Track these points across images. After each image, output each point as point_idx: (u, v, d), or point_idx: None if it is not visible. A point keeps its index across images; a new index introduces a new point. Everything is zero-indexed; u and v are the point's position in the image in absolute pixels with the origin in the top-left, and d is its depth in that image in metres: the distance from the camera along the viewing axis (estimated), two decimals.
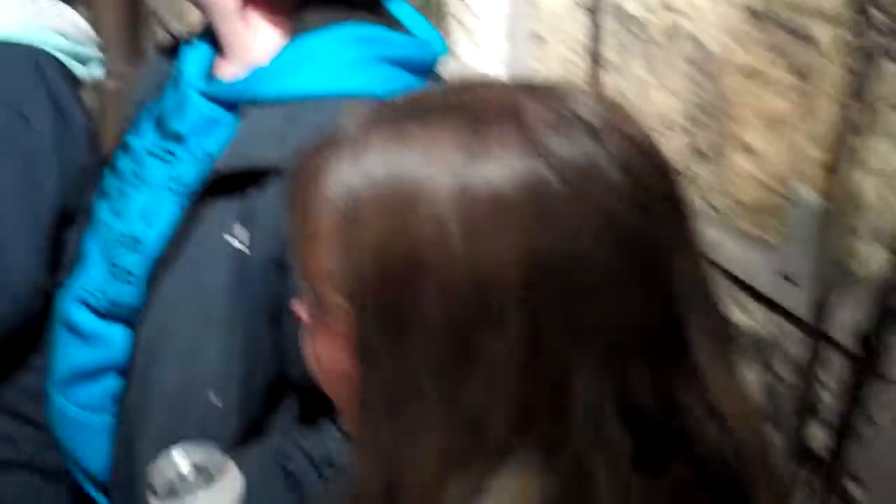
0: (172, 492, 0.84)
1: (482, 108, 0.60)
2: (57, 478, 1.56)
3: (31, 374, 1.49)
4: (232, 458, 1.17)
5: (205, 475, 0.86)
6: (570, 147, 0.58)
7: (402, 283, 0.58)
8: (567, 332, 0.58)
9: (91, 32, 1.67)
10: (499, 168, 0.57)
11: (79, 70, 1.61)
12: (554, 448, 0.59)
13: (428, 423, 0.60)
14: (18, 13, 1.55)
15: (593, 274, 0.58)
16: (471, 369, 0.58)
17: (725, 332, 0.66)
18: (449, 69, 1.30)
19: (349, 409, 0.66)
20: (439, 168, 0.57)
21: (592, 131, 0.59)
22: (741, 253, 1.36)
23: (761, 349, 1.36)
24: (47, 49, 1.54)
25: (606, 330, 0.58)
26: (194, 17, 2.44)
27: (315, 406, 1.20)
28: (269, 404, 1.22)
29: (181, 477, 0.87)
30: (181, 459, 0.88)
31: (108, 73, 1.69)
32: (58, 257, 1.48)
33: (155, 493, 0.85)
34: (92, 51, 1.66)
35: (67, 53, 1.59)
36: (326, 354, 0.66)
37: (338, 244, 0.60)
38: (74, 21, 1.63)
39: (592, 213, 0.58)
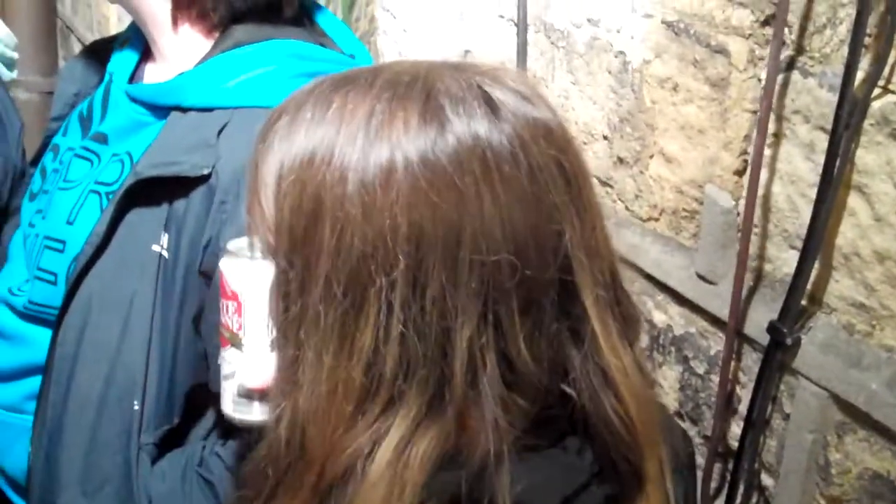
0: (239, 253, 0.97)
1: (401, 83, 0.70)
2: None
3: None
4: (153, 466, 1.24)
5: None
6: (476, 121, 0.68)
7: (307, 228, 0.69)
8: (448, 277, 0.67)
9: (13, 36, 1.73)
10: (398, 143, 0.67)
11: (4, 73, 1.66)
12: (436, 398, 0.68)
13: (328, 358, 0.69)
14: None
15: (479, 230, 0.66)
16: (364, 306, 0.68)
17: (624, 307, 0.74)
18: None
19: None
20: (347, 140, 0.68)
21: (504, 107, 0.69)
22: (660, 255, 1.45)
23: (680, 347, 1.47)
24: None
25: (489, 286, 0.67)
26: (110, 29, 2.49)
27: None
28: (189, 412, 1.26)
29: (252, 244, 0.97)
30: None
31: (22, 85, 1.75)
32: None
33: (227, 251, 0.99)
34: (15, 54, 1.71)
35: None
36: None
37: (273, 193, 0.71)
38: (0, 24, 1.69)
39: (483, 181, 0.67)
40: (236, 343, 0.99)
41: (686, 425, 1.43)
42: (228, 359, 1.00)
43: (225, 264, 0.99)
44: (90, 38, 2.61)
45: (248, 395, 1.00)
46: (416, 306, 0.67)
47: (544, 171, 0.69)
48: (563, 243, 0.69)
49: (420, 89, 0.70)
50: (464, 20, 1.64)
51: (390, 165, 0.67)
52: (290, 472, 0.72)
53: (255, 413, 1.00)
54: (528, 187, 0.68)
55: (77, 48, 2.75)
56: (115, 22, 2.46)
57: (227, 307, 0.99)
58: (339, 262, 0.68)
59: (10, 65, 1.69)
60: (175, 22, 1.26)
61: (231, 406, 1.02)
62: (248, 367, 0.99)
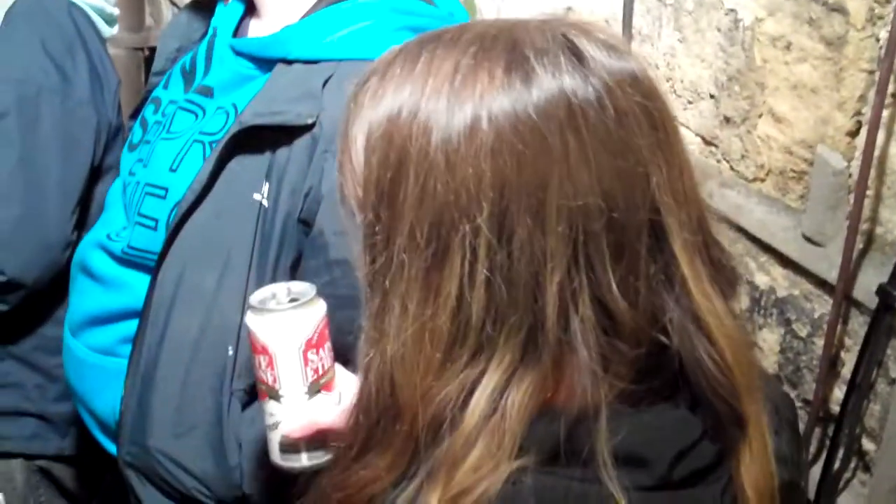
0: (263, 307, 1.03)
1: (486, 37, 0.73)
2: (64, 428, 1.70)
3: (53, 327, 1.61)
4: (243, 411, 1.29)
5: (293, 300, 1.04)
6: (550, 73, 0.70)
7: (392, 181, 0.72)
8: (538, 230, 0.68)
9: None
10: (478, 96, 0.70)
11: (104, 28, 1.73)
12: (530, 345, 0.70)
13: (413, 308, 0.71)
14: None
15: (563, 178, 0.68)
16: (448, 254, 0.70)
17: (714, 253, 0.75)
18: None
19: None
20: (433, 93, 0.71)
21: (577, 57, 0.71)
22: (766, 217, 1.45)
23: (782, 310, 1.49)
24: (79, 4, 1.66)
25: (577, 230, 0.69)
26: None
27: None
28: None
29: (274, 296, 1.05)
30: (280, 285, 1.08)
31: (110, 41, 1.83)
32: (86, 211, 1.61)
33: (251, 307, 1.04)
34: (115, 9, 1.78)
35: (96, 10, 1.71)
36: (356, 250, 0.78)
37: (363, 149, 0.74)
38: None
39: (567, 128, 0.69)
40: (274, 395, 1.02)
41: (785, 389, 1.45)
42: (269, 410, 1.03)
43: (251, 320, 1.03)
44: None
45: (294, 443, 1.04)
46: (503, 252, 0.69)
47: (630, 117, 0.71)
48: (650, 187, 0.71)
49: (505, 42, 0.72)
50: None
51: (475, 115, 0.70)
52: (381, 421, 0.74)
53: (303, 460, 1.04)
54: (614, 132, 0.70)
55: (164, 5, 2.84)
56: None
57: (260, 362, 1.02)
58: (421, 210, 0.71)
59: (110, 21, 1.76)
60: None
61: (278, 455, 1.06)
62: (289, 417, 1.02)
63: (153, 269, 1.31)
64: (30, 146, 1.55)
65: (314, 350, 1.02)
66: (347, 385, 1.05)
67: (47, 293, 1.57)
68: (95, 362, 1.41)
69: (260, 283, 1.25)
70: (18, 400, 1.69)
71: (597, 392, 0.70)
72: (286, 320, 1.02)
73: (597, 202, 0.69)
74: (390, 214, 0.72)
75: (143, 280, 1.34)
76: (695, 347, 0.72)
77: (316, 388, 1.03)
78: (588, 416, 0.70)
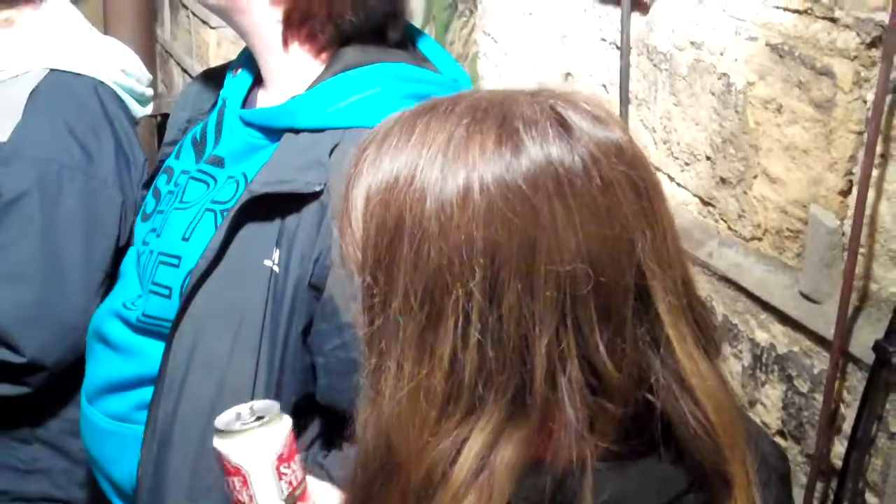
0: (230, 429, 1.06)
1: (478, 109, 0.78)
2: None
3: (76, 410, 1.58)
4: None
5: (259, 418, 1.08)
6: (550, 143, 0.75)
7: (388, 246, 0.77)
8: (526, 294, 0.72)
9: (146, 71, 1.82)
10: (475, 166, 0.74)
11: (135, 108, 1.76)
12: (518, 404, 0.74)
13: (409, 369, 0.75)
14: (84, 45, 1.72)
15: (552, 242, 0.73)
16: (441, 318, 0.74)
17: (698, 314, 0.80)
18: None
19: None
20: (427, 162, 0.76)
21: (565, 128, 0.76)
22: (765, 275, 1.50)
23: (783, 366, 1.52)
24: (108, 84, 1.70)
25: (565, 293, 0.73)
26: (210, 54, 2.64)
27: (339, 428, 1.32)
28: (295, 423, 1.30)
29: (239, 416, 1.09)
30: (243, 406, 1.11)
31: None
32: (107, 289, 1.60)
33: (218, 431, 1.07)
34: (148, 90, 1.81)
35: (126, 90, 1.74)
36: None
37: (362, 217, 0.79)
38: (132, 58, 1.78)
39: (551, 199, 0.73)
40: None
41: (788, 444, 1.48)
42: None
43: (220, 444, 1.06)
44: (189, 62, 2.77)
45: None
46: (494, 315, 0.73)
47: (615, 186, 0.75)
48: (635, 252, 0.75)
49: (496, 114, 0.77)
50: (565, 44, 1.72)
51: (467, 185, 0.74)
52: (378, 478, 0.78)
53: None
54: (599, 200, 0.74)
55: (176, 73, 2.92)
56: (215, 48, 2.62)
57: (234, 483, 1.05)
58: (416, 274, 0.75)
59: (142, 101, 1.79)
60: (285, 42, 1.37)
61: None
62: None
63: (167, 337, 1.35)
64: (51, 225, 1.56)
65: (286, 464, 1.06)
66: (320, 493, 1.10)
67: (73, 375, 1.57)
68: (112, 429, 1.44)
69: (273, 348, 1.31)
70: (47, 486, 1.69)
71: (583, 450, 0.73)
72: (257, 439, 1.05)
73: (584, 268, 0.73)
74: (387, 278, 0.77)
75: (158, 347, 1.38)
76: (679, 408, 0.76)
77: (292, 500, 1.06)
78: (574, 472, 0.74)
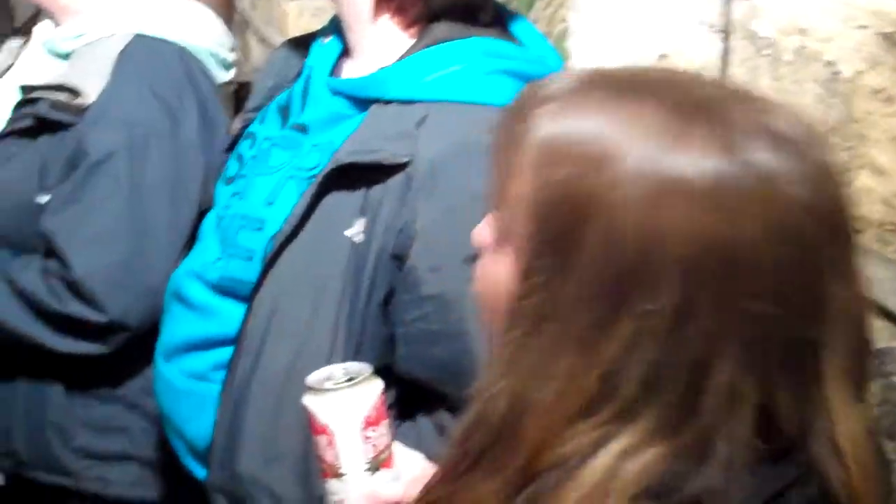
0: (320, 387, 1.06)
1: (694, 104, 0.72)
2: (163, 472, 1.71)
3: None
4: None
5: (350, 379, 1.07)
6: (767, 157, 0.69)
7: (575, 224, 0.71)
8: (718, 318, 0.68)
9: (231, 37, 1.84)
10: (692, 160, 0.68)
11: (217, 73, 1.78)
12: (680, 422, 0.70)
13: (564, 357, 0.71)
14: (169, 9, 1.74)
15: (754, 273, 0.68)
16: (617, 321, 0.69)
17: (863, 376, 0.75)
18: None
19: (495, 329, 0.78)
20: (638, 143, 0.70)
21: (793, 148, 0.70)
22: (865, 269, 1.49)
23: (882, 361, 1.49)
24: (191, 49, 1.72)
25: (755, 326, 0.69)
26: (289, 24, 2.65)
27: (414, 400, 1.35)
28: None
29: (330, 375, 1.08)
30: (336, 366, 1.11)
31: None
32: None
33: (309, 388, 1.07)
34: (230, 54, 1.83)
35: (212, 55, 1.77)
36: (493, 273, 0.79)
37: (534, 177, 0.73)
38: (216, 22, 1.80)
39: (767, 219, 0.68)
40: (335, 474, 1.05)
41: (884, 441, 1.45)
42: (331, 490, 1.06)
43: (310, 401, 1.06)
44: (268, 32, 2.78)
45: None
46: (677, 335, 0.69)
47: (823, 221, 0.70)
48: (825, 297, 0.71)
49: (708, 114, 0.71)
50: (660, 24, 1.70)
51: (676, 187, 0.69)
52: (494, 448, 0.75)
53: None
54: (808, 234, 0.69)
55: (253, 42, 2.93)
56: (295, 17, 2.62)
57: (320, 442, 1.05)
58: (600, 270, 0.70)
59: (225, 65, 1.81)
60: (375, 14, 1.38)
61: None
62: (352, 494, 1.05)
63: (248, 299, 1.36)
64: (137, 189, 1.59)
65: (373, 427, 1.05)
66: (406, 460, 1.08)
67: (153, 335, 1.58)
68: (188, 388, 1.46)
69: (352, 317, 1.31)
70: (124, 444, 1.71)
71: (728, 482, 0.70)
72: (345, 399, 1.05)
73: (777, 310, 0.69)
74: (561, 260, 0.72)
75: (237, 309, 1.39)
76: (827, 469, 0.73)
77: (376, 464, 1.05)
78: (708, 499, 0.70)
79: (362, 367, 1.09)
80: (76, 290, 1.58)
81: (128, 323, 1.61)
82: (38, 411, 1.71)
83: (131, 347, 1.65)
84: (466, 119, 1.31)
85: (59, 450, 1.71)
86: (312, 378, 1.08)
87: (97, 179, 1.59)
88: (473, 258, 1.26)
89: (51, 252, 1.60)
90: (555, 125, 0.74)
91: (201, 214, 1.59)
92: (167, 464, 1.67)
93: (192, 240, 1.58)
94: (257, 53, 2.91)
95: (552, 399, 0.72)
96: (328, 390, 1.05)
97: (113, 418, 1.72)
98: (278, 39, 2.62)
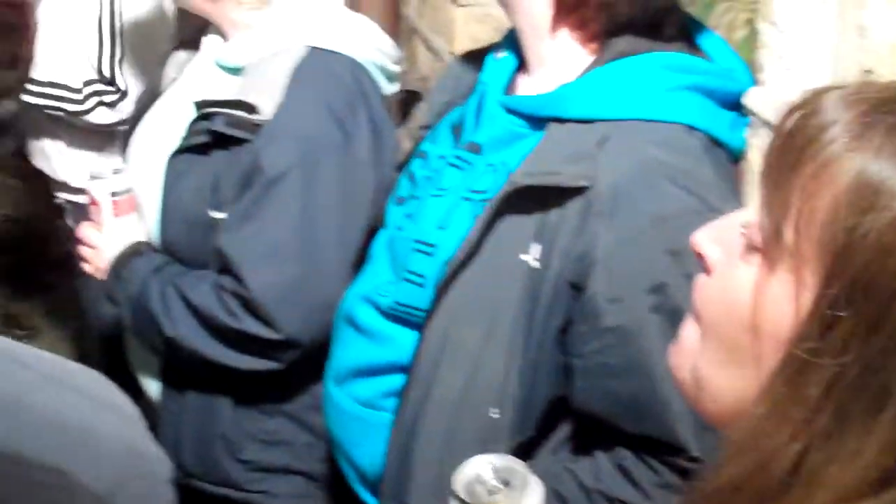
0: (473, 494, 0.94)
1: None
2: (329, 487, 1.73)
3: (321, 386, 1.62)
4: None
5: (505, 482, 0.95)
6: None
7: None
8: None
9: (397, 49, 1.83)
10: None
11: (385, 86, 1.78)
12: None
13: (878, 433, 0.65)
14: (339, 23, 1.75)
15: None
16: None
17: None
18: (761, 102, 1.36)
19: (736, 356, 0.73)
20: None
21: None
22: None
23: None
24: (363, 62, 1.72)
25: None
26: (456, 31, 2.63)
27: (590, 434, 1.31)
28: (545, 425, 1.32)
29: (479, 478, 0.97)
30: (482, 464, 0.98)
31: None
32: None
33: (457, 496, 0.95)
34: (396, 67, 1.82)
35: (379, 68, 1.76)
36: (737, 292, 0.73)
37: (847, 214, 0.67)
38: (382, 35, 1.80)
39: None
40: None
41: None
42: None
43: None
44: (435, 41, 2.77)
45: None
46: None
47: None
48: None
49: None
50: (865, 36, 1.59)
51: None
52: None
53: None
54: None
55: (420, 50, 2.93)
56: (462, 24, 2.60)
57: None
58: None
59: (391, 78, 1.80)
60: (554, 27, 1.33)
61: None
62: None
63: (420, 326, 1.35)
64: (310, 205, 1.60)
65: None
66: None
67: (321, 352, 1.59)
68: (358, 414, 1.46)
69: (527, 345, 1.27)
70: (289, 458, 1.74)
71: None
72: None
73: None
74: (879, 315, 0.66)
75: (408, 335, 1.38)
76: None
77: None
78: None
79: (513, 464, 0.98)
80: (251, 307, 1.60)
81: (301, 340, 1.62)
82: (207, 424, 1.74)
83: (299, 363, 1.66)
84: (650, 138, 1.26)
85: (227, 462, 1.73)
86: (460, 483, 0.96)
87: (272, 196, 1.60)
88: (657, 288, 1.22)
89: (224, 268, 1.62)
90: (875, 162, 0.68)
91: (371, 232, 1.59)
92: (333, 481, 1.68)
93: (362, 257, 1.58)
94: (424, 61, 2.90)
95: (851, 476, 0.66)
96: (483, 499, 0.93)
97: (278, 432, 1.74)
98: (445, 47, 2.61)
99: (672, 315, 1.18)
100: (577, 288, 1.24)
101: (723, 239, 0.77)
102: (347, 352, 1.50)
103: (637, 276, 1.23)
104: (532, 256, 1.26)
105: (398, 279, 1.41)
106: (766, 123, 1.33)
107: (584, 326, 1.25)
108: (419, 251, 1.39)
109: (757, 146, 1.36)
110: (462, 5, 2.53)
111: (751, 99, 1.35)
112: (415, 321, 1.37)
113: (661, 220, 1.22)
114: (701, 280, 0.78)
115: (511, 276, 1.28)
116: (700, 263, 0.78)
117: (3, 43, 2.93)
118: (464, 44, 2.35)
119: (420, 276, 1.37)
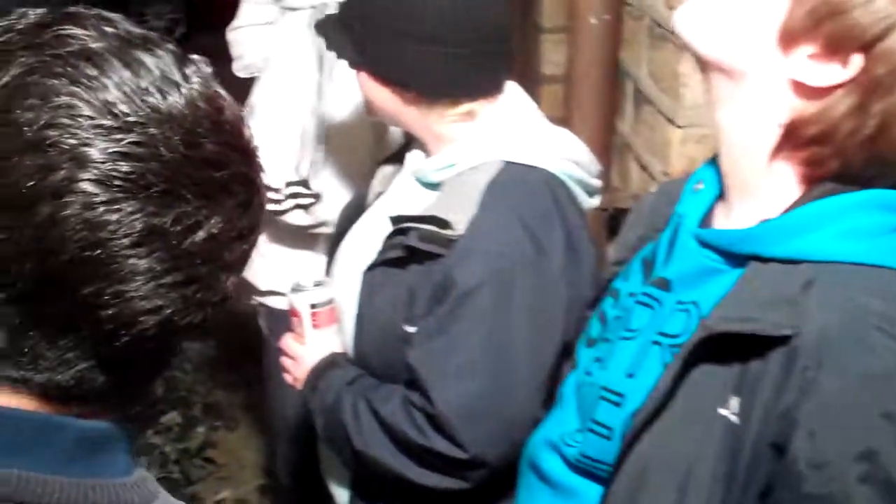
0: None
1: None
2: None
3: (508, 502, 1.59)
4: None
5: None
6: None
7: None
8: None
9: (596, 163, 1.81)
10: None
11: (584, 200, 1.76)
12: None
13: None
14: (537, 137, 1.75)
15: None
16: None
17: None
18: None
19: None
20: None
21: None
22: None
23: None
24: (560, 176, 1.71)
25: None
26: (672, 152, 2.55)
27: None
28: None
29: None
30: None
31: None
32: (551, 391, 1.59)
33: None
34: (596, 181, 1.80)
35: (577, 182, 1.75)
36: None
37: None
38: (582, 148, 1.79)
39: None
40: None
41: None
42: None
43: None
44: (647, 159, 2.70)
45: None
46: None
47: None
48: None
49: None
50: None
51: None
52: None
53: None
54: None
55: (633, 168, 2.87)
56: (678, 144, 2.52)
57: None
58: None
59: (592, 192, 1.79)
60: (772, 159, 1.22)
61: None
62: None
63: (607, 481, 1.27)
64: (502, 320, 1.59)
65: None
66: None
67: (514, 473, 1.54)
68: None
69: None
70: None
71: None
72: None
73: None
74: None
75: (594, 490, 1.31)
76: None
77: None
78: None
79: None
80: (437, 424, 1.59)
81: (487, 460, 1.60)
82: None
83: (489, 485, 1.64)
84: (862, 285, 1.14)
85: None
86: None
87: (463, 311, 1.60)
88: (867, 455, 1.09)
89: (414, 383, 1.63)
90: None
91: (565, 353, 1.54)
92: None
93: (551, 396, 1.52)
94: (637, 180, 2.84)
95: None
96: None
97: None
98: (659, 168, 2.53)
99: (885, 487, 1.08)
100: (779, 449, 1.13)
101: None
102: (532, 500, 1.45)
103: (844, 441, 1.10)
104: (731, 411, 1.16)
105: (584, 429, 1.34)
106: None
107: (786, 493, 1.13)
108: (606, 399, 1.32)
109: None
110: (681, 126, 2.45)
111: None
112: (600, 476, 1.30)
113: (873, 378, 1.10)
114: None
115: (707, 430, 1.18)
116: None
117: None
118: (680, 164, 2.29)
119: (607, 427, 1.30)
